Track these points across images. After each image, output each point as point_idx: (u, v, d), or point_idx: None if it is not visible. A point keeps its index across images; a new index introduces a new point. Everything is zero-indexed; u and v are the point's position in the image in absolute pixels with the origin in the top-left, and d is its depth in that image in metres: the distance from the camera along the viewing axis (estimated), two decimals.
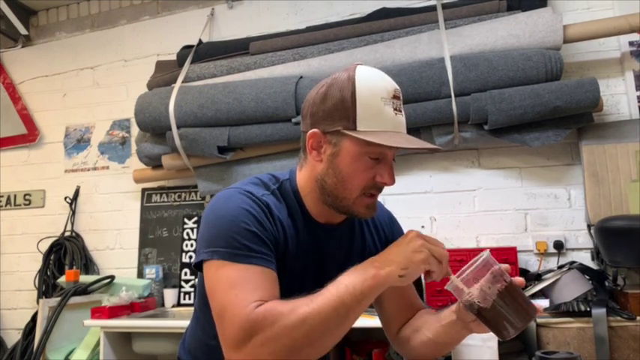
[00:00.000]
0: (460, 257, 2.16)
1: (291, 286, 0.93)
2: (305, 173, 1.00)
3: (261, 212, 0.91)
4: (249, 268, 0.85)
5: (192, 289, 2.68)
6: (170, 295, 2.65)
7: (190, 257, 2.72)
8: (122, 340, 2.29)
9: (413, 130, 2.34)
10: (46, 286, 2.86)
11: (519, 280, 0.87)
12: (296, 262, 0.97)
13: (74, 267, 2.78)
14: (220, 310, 0.84)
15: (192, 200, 2.83)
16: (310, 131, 0.94)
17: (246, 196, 0.93)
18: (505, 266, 0.87)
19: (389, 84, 0.93)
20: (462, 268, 0.88)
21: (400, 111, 0.93)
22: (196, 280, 2.53)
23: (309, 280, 0.98)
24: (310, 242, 1.00)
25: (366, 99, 0.89)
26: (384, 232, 1.13)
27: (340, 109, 0.91)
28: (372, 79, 0.92)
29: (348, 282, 0.81)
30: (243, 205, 0.91)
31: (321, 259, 1.01)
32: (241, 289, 0.82)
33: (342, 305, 0.80)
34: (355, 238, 1.08)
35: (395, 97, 0.92)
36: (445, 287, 0.87)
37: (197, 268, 0.91)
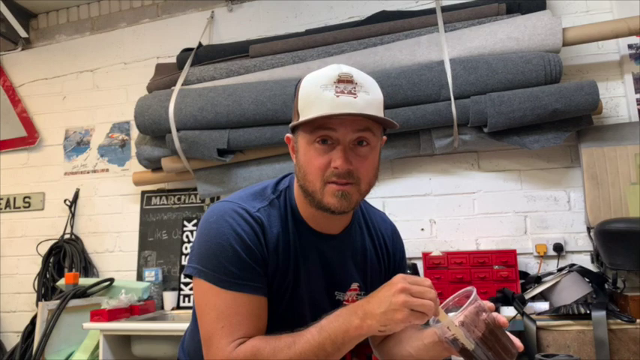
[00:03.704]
0: (460, 260, 2.16)
1: (289, 299, 0.95)
2: (296, 180, 1.02)
3: (252, 234, 0.92)
4: (236, 298, 0.87)
5: (191, 292, 2.68)
6: (169, 297, 2.65)
7: None
8: (121, 342, 2.28)
9: (412, 132, 2.34)
10: (46, 288, 2.85)
11: (502, 320, 0.86)
12: (289, 274, 0.97)
13: (73, 270, 2.77)
14: (206, 338, 0.88)
15: (192, 203, 2.83)
16: (285, 138, 1.02)
17: (239, 215, 0.93)
18: (489, 304, 0.86)
19: (333, 71, 0.90)
20: (445, 302, 0.87)
21: (352, 93, 0.88)
22: None
23: (308, 290, 0.98)
24: (307, 252, 0.99)
25: (305, 90, 0.92)
26: (385, 243, 1.13)
27: (292, 110, 0.97)
28: (315, 74, 0.93)
29: (330, 330, 0.83)
30: (235, 226, 0.91)
31: (320, 268, 1.01)
32: (227, 322, 0.86)
33: (323, 352, 0.82)
34: (355, 247, 1.07)
35: (339, 81, 0.89)
36: (430, 323, 0.86)
37: (187, 276, 0.93)
